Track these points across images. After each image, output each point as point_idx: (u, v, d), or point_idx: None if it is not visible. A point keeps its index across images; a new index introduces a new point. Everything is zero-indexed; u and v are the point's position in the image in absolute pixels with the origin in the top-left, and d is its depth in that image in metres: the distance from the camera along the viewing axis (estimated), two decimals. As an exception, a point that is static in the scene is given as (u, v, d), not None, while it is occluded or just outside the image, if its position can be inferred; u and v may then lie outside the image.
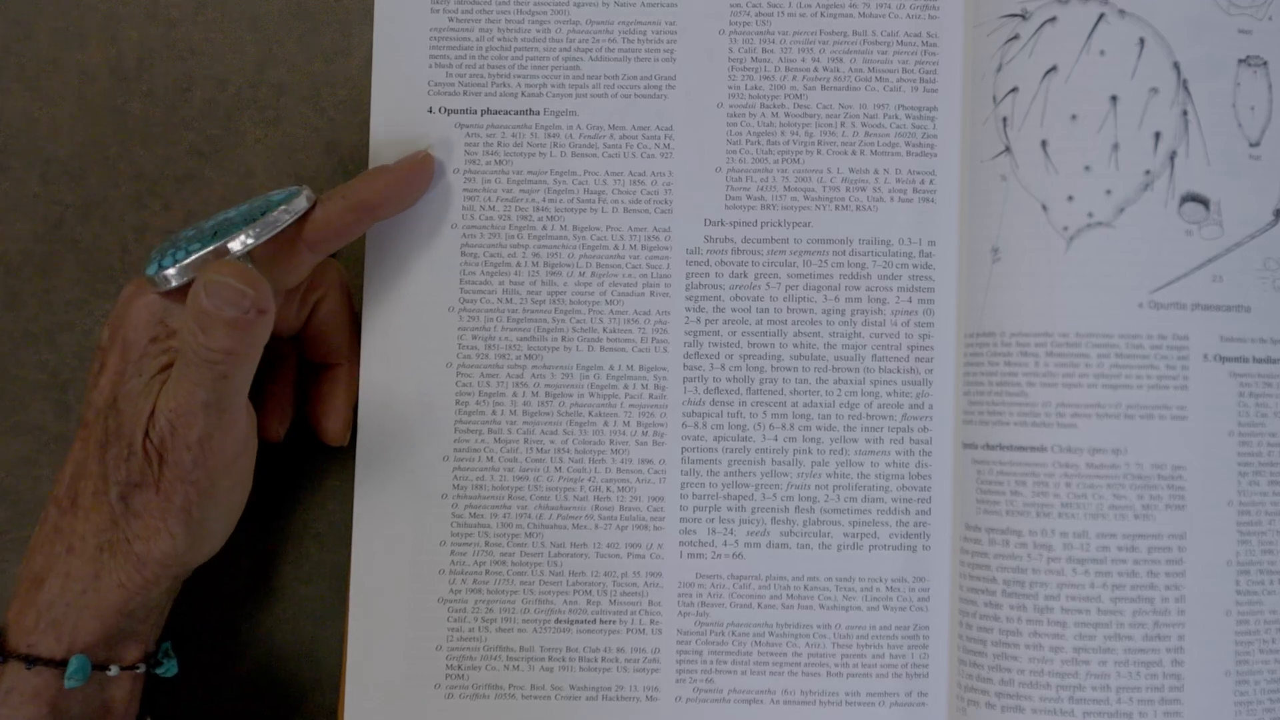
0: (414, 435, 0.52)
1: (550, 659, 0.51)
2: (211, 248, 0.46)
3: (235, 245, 0.46)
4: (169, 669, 0.49)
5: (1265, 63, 0.50)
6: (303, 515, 0.54)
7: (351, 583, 0.52)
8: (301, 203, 0.48)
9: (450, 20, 0.53)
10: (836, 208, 0.52)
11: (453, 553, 0.52)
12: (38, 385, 0.54)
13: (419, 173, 0.51)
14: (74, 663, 0.46)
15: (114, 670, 0.47)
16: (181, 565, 0.47)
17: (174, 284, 0.46)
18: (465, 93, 0.53)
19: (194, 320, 0.44)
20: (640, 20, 0.53)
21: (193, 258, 0.46)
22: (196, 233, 0.47)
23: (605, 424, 0.52)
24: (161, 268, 0.46)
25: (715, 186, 0.52)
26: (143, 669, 0.48)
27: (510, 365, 0.52)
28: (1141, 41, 0.49)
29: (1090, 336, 0.49)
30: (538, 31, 0.53)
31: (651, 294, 0.52)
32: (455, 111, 0.53)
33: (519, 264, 0.52)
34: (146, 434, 0.46)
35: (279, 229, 0.47)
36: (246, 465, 0.48)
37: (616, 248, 0.52)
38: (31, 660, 0.45)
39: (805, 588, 0.51)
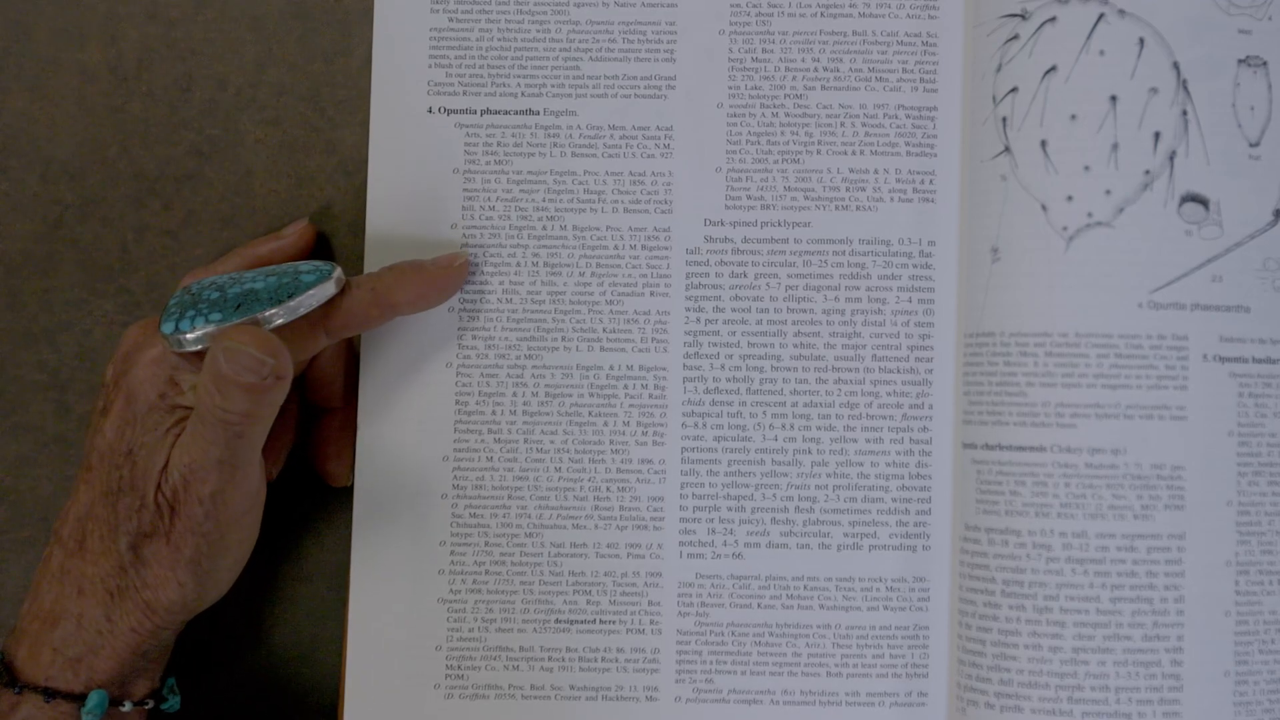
0: (414, 436, 0.52)
1: (550, 659, 0.51)
2: (234, 323, 0.46)
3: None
4: (173, 705, 0.50)
5: (1265, 63, 0.50)
6: (303, 515, 0.54)
7: (351, 583, 0.52)
8: (330, 288, 0.48)
9: (450, 20, 0.53)
10: (836, 208, 0.52)
11: (453, 553, 0.52)
12: (38, 385, 0.54)
13: (454, 278, 0.51)
14: (93, 697, 0.46)
15: (127, 706, 0.47)
16: (188, 612, 0.48)
17: (189, 349, 0.46)
18: (465, 93, 0.53)
19: (211, 383, 0.44)
20: (640, 20, 0.53)
21: (214, 328, 0.46)
22: (220, 297, 0.47)
23: (605, 424, 0.52)
24: (179, 330, 0.46)
25: (715, 186, 0.52)
26: (150, 704, 0.48)
27: (510, 365, 0.52)
28: (1141, 41, 0.49)
29: (1090, 336, 0.49)
30: (538, 31, 0.53)
31: (651, 294, 0.52)
32: (455, 111, 0.53)
33: (519, 264, 0.52)
34: (159, 487, 0.46)
35: (304, 313, 0.47)
36: (255, 517, 0.48)
37: (616, 248, 0.52)
38: (51, 693, 0.46)
39: (805, 588, 0.51)
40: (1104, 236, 0.49)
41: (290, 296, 0.46)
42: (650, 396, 0.52)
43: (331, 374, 0.51)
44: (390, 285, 0.49)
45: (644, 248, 0.52)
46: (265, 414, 0.45)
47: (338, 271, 0.48)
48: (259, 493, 0.48)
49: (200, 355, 0.46)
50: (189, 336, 0.46)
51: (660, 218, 0.52)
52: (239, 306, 0.46)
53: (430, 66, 0.53)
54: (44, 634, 0.46)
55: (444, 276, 0.50)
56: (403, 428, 0.52)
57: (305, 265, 0.48)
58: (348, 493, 0.52)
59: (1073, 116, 0.49)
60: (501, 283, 0.52)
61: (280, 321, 0.46)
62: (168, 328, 0.46)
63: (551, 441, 0.52)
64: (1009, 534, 0.49)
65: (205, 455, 0.45)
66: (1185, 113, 0.49)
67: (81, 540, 0.47)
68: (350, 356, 0.52)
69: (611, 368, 0.52)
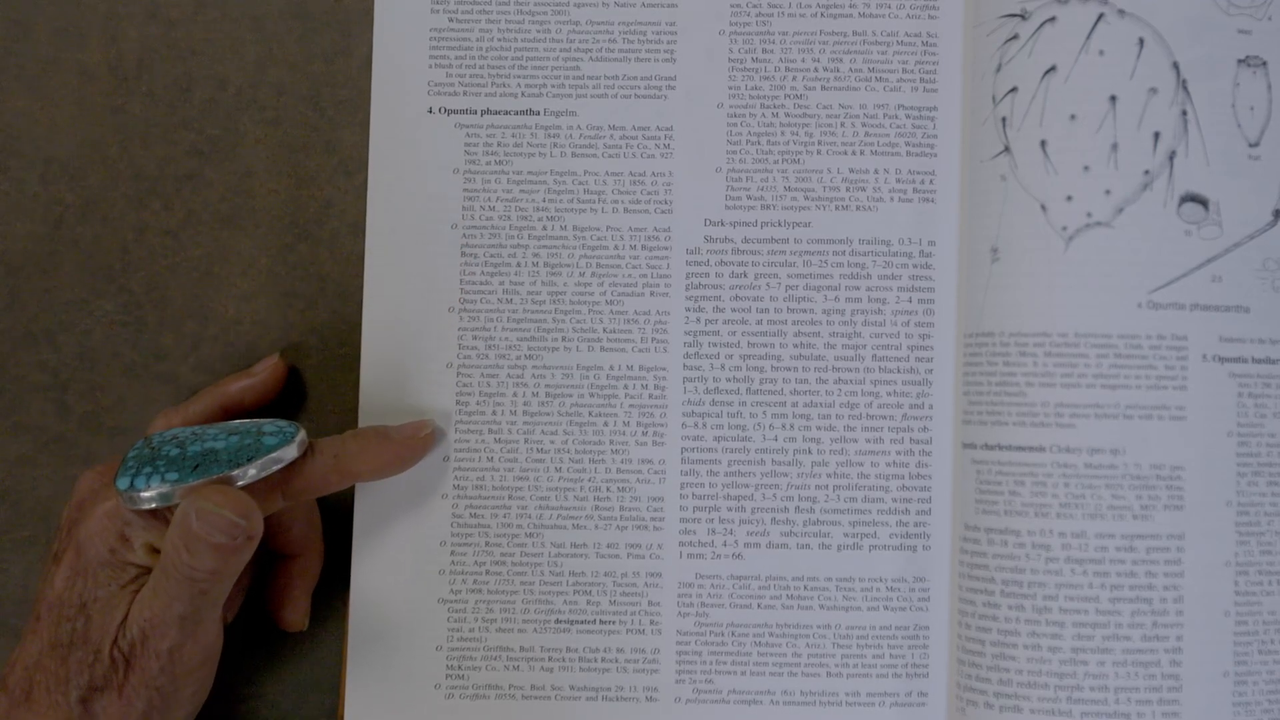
0: (414, 435, 0.52)
1: (550, 659, 0.51)
2: (191, 484, 0.45)
3: None
4: None
5: (1265, 63, 0.50)
6: (303, 515, 0.54)
7: (352, 583, 0.52)
8: (292, 452, 0.47)
9: (450, 20, 0.53)
10: (836, 208, 0.52)
11: (453, 553, 0.52)
12: (38, 385, 0.54)
13: (419, 449, 0.50)
14: None
15: None
16: None
17: (145, 506, 0.45)
18: (465, 93, 0.53)
19: (180, 540, 0.44)
20: (640, 20, 0.53)
21: (171, 488, 0.45)
22: (179, 455, 0.46)
23: (605, 424, 0.52)
24: (135, 487, 0.45)
25: (715, 186, 0.53)
26: None
27: (510, 365, 0.52)
28: (1141, 41, 0.49)
29: (1089, 336, 0.49)
30: (538, 32, 0.53)
31: (651, 294, 0.52)
32: (455, 111, 0.53)
33: (519, 264, 0.52)
34: (115, 641, 0.45)
35: (263, 477, 0.46)
36: (211, 669, 0.48)
37: (616, 248, 0.52)
38: None
39: (805, 588, 0.51)
40: (1103, 236, 0.49)
41: (250, 460, 0.46)
42: (650, 396, 0.52)
43: (290, 523, 0.51)
44: (354, 454, 0.49)
45: (644, 248, 0.52)
46: (232, 571, 0.45)
47: (300, 434, 0.47)
48: (216, 644, 0.47)
49: (154, 513, 0.45)
50: (144, 494, 0.45)
51: (660, 218, 0.53)
52: (197, 467, 0.45)
53: (430, 66, 0.53)
54: None
55: (408, 448, 0.50)
56: (403, 428, 0.52)
57: (269, 425, 0.48)
58: (348, 493, 0.52)
59: (1072, 116, 0.49)
60: (501, 283, 0.52)
61: (239, 484, 0.46)
62: (123, 483, 0.45)
63: (552, 442, 0.52)
64: (1008, 534, 0.49)
65: (167, 611, 0.45)
66: (1185, 113, 0.49)
67: (28, 691, 0.46)
68: (311, 505, 0.51)
69: (611, 368, 0.52)
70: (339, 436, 0.49)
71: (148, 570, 0.46)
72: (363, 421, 0.52)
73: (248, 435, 0.47)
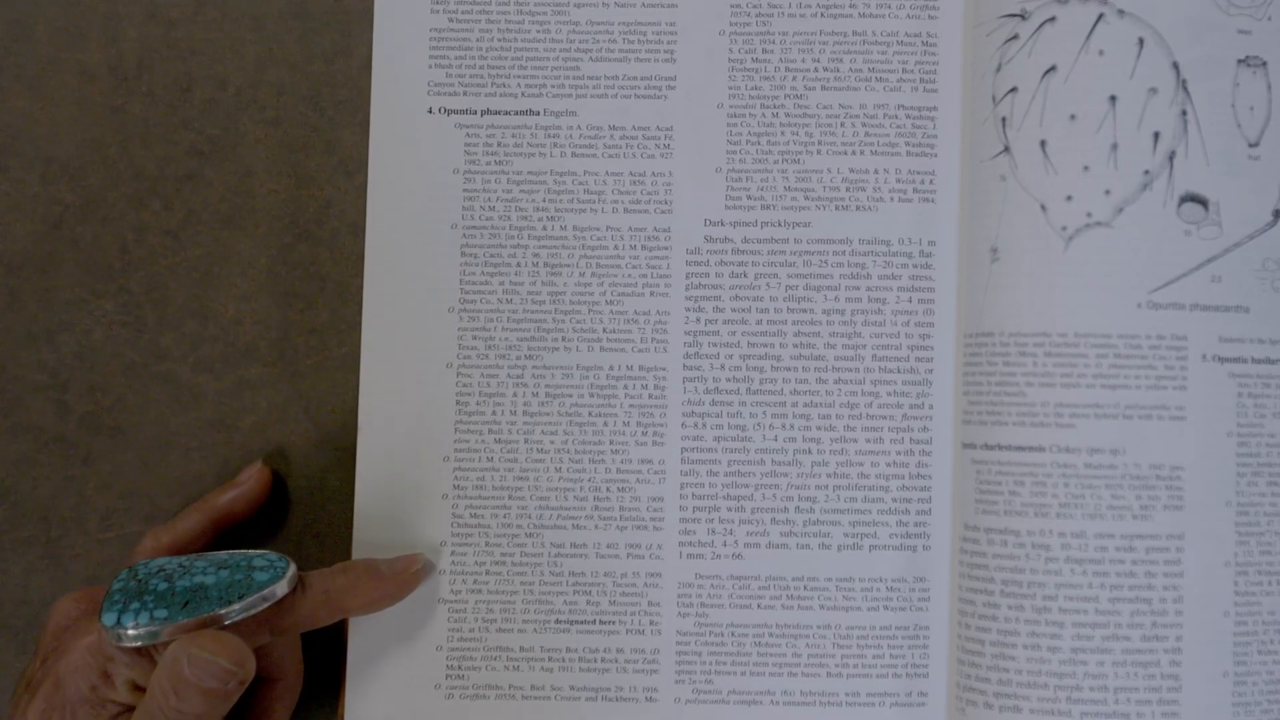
0: (414, 435, 0.52)
1: (550, 659, 0.51)
2: (181, 622, 0.44)
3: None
4: None
5: (1264, 63, 0.50)
6: (303, 515, 0.54)
7: (352, 582, 0.52)
8: (283, 588, 0.46)
9: (450, 20, 0.53)
10: (836, 208, 0.52)
11: (453, 553, 0.52)
12: (38, 385, 0.54)
13: (410, 584, 0.50)
14: None
15: None
16: None
17: (130, 644, 0.44)
18: (465, 93, 0.53)
19: (169, 684, 0.43)
20: (640, 20, 0.53)
21: (159, 626, 0.44)
22: (168, 589, 0.45)
23: (605, 424, 0.52)
24: (121, 624, 0.44)
25: (715, 186, 0.53)
26: None
27: (510, 365, 0.52)
28: (1141, 41, 0.49)
29: (1089, 336, 0.49)
30: (538, 32, 0.53)
31: (651, 294, 0.52)
32: (455, 111, 0.53)
33: (519, 264, 0.52)
34: None
35: (253, 613, 0.45)
36: None
37: (616, 248, 0.52)
38: None
39: (805, 588, 0.51)
40: (1103, 236, 0.49)
41: (241, 597, 0.45)
42: (650, 397, 0.52)
43: (271, 648, 0.49)
44: (344, 590, 0.48)
45: (644, 248, 0.52)
46: (218, 715, 0.44)
47: (291, 570, 0.47)
48: None
49: (139, 650, 0.44)
50: (130, 632, 0.44)
51: (660, 218, 0.53)
52: (186, 604, 0.45)
53: (430, 67, 0.53)
54: None
55: (399, 583, 0.50)
56: (403, 428, 0.52)
57: (260, 559, 0.47)
58: (348, 492, 0.52)
59: (1072, 116, 0.49)
60: (501, 283, 0.52)
61: (228, 622, 0.45)
62: (109, 619, 0.44)
63: (551, 442, 0.52)
64: (1008, 534, 0.49)
65: None
66: (1185, 113, 0.49)
67: None
68: (296, 634, 0.50)
69: (611, 368, 0.52)
70: (329, 571, 0.48)
71: (130, 708, 0.45)
72: (363, 424, 0.52)
73: (238, 570, 0.46)
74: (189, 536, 0.50)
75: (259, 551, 0.48)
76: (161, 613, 0.44)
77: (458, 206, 0.53)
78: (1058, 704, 0.48)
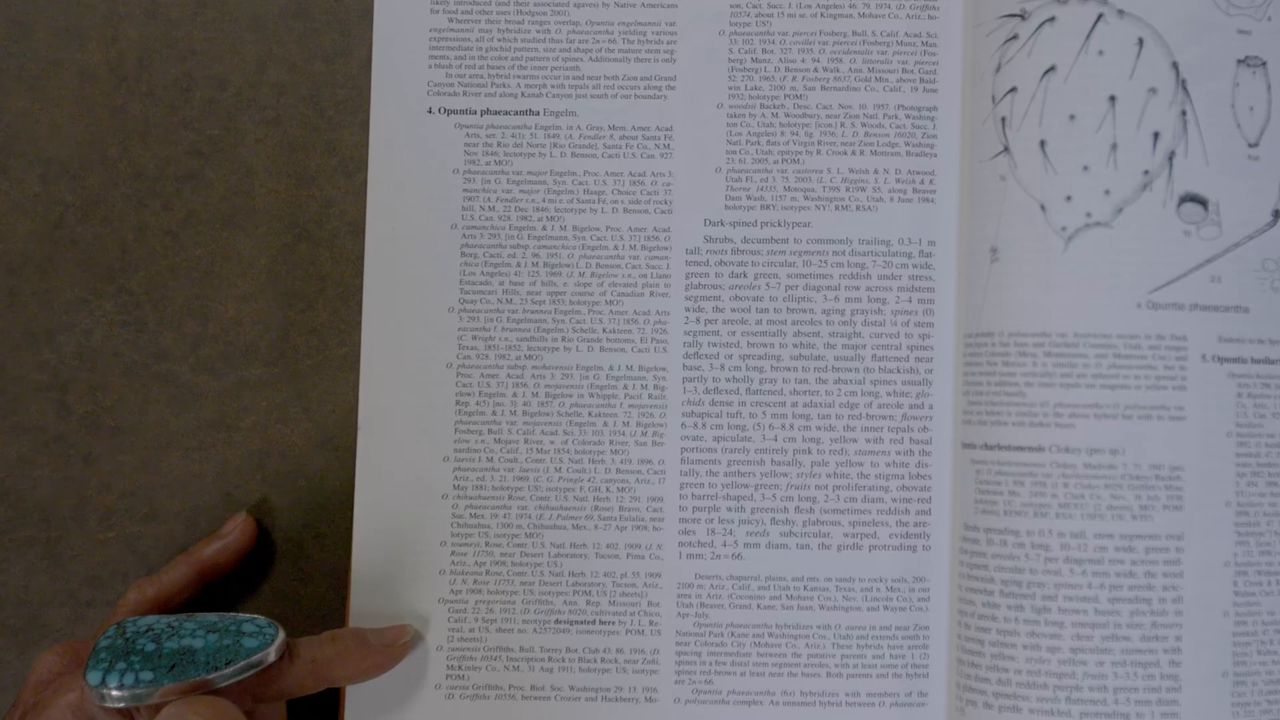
0: (414, 435, 0.52)
1: (550, 659, 0.51)
2: (167, 686, 0.43)
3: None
4: None
5: (1264, 63, 0.50)
6: (303, 515, 0.54)
7: (352, 582, 0.52)
8: (271, 655, 0.45)
9: (450, 21, 0.53)
10: (836, 208, 0.52)
11: (453, 553, 0.52)
12: (38, 385, 0.54)
13: (397, 656, 0.50)
14: None
15: None
16: None
17: (115, 705, 0.43)
18: (465, 93, 0.53)
19: None
20: (640, 20, 0.53)
21: (144, 689, 0.43)
22: (155, 650, 0.44)
23: (605, 424, 0.52)
24: (106, 684, 0.43)
25: (715, 187, 0.53)
26: None
27: (510, 365, 0.52)
28: (1140, 42, 0.49)
29: (1088, 337, 0.49)
30: (538, 32, 0.53)
31: (651, 294, 0.52)
32: (455, 112, 0.53)
33: (519, 264, 0.52)
34: None
35: (239, 679, 0.45)
36: None
37: (616, 248, 0.52)
38: None
39: (805, 588, 0.51)
40: (1103, 236, 0.49)
41: (229, 663, 0.44)
42: (650, 397, 0.52)
43: (264, 710, 0.49)
44: (331, 660, 0.47)
45: (644, 248, 0.52)
46: None
47: (280, 637, 0.46)
48: None
49: (121, 711, 0.44)
50: (115, 693, 0.43)
51: (660, 218, 0.53)
52: (174, 667, 0.44)
53: (430, 67, 0.53)
54: None
55: (388, 655, 0.49)
56: (403, 428, 0.52)
57: (249, 624, 0.46)
58: (348, 492, 0.52)
59: (1072, 116, 0.49)
60: (501, 283, 0.52)
61: (214, 688, 0.44)
62: (94, 678, 0.43)
63: (551, 442, 0.52)
64: (1007, 534, 0.49)
65: None
66: (1184, 113, 0.49)
67: None
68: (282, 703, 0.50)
69: (611, 368, 0.52)
70: (317, 639, 0.48)
71: None
72: (363, 425, 0.52)
73: (226, 634, 0.46)
74: (174, 589, 0.50)
75: (248, 616, 0.47)
76: (148, 675, 0.44)
77: (457, 206, 0.53)
78: (1057, 704, 0.48)
